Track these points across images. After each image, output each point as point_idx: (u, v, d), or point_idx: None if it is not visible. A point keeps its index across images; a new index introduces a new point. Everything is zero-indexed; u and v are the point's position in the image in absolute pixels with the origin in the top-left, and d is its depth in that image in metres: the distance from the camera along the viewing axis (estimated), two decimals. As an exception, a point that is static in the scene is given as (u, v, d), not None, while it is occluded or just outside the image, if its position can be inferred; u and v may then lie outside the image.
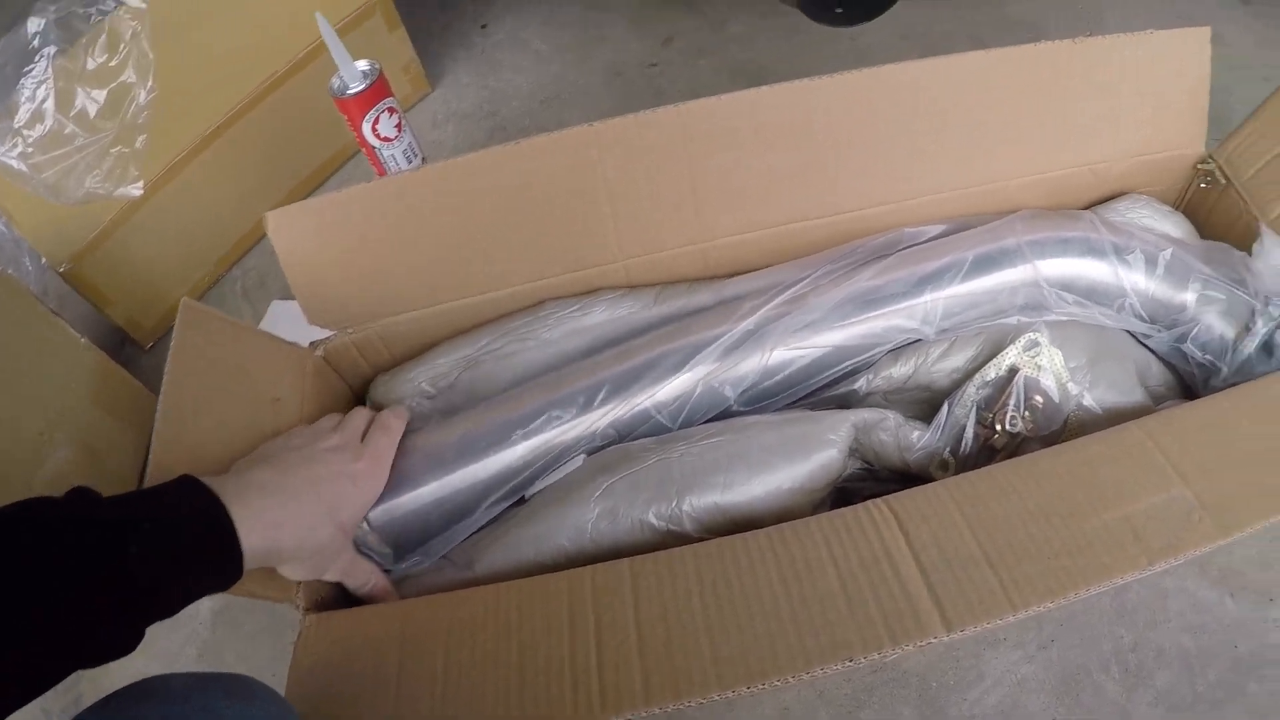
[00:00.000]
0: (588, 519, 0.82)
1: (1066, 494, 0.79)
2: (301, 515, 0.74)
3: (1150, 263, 0.97)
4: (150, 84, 1.27)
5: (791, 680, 0.69)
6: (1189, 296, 0.97)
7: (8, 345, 1.11)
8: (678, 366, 0.91)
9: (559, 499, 0.85)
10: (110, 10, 1.25)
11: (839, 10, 1.23)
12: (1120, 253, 0.97)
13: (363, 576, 0.83)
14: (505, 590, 0.77)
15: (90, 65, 1.24)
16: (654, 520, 0.82)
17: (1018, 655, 1.00)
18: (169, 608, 0.63)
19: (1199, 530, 0.76)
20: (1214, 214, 1.12)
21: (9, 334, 1.12)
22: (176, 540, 0.64)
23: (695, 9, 1.84)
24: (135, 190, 1.29)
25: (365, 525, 0.86)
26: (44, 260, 1.31)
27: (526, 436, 0.89)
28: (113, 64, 1.25)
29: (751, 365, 0.92)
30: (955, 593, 0.72)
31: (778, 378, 0.93)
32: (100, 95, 1.25)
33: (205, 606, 1.08)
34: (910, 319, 0.94)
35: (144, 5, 1.25)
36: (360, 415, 0.90)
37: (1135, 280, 0.97)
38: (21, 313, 1.14)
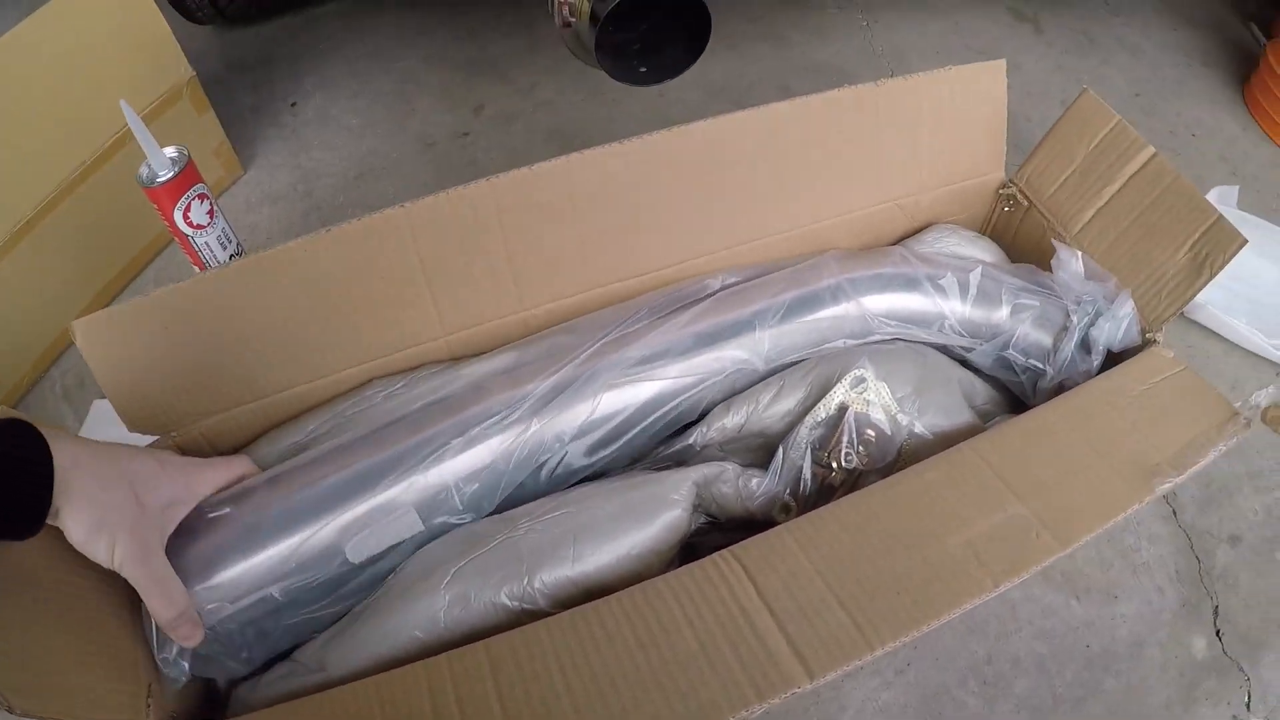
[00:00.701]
0: (439, 607, 0.81)
1: (907, 525, 0.82)
2: (100, 466, 0.72)
3: (963, 286, 1.03)
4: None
5: None
6: (1003, 311, 1.04)
7: None
8: (474, 439, 0.91)
9: (407, 590, 0.84)
10: None
11: (643, 70, 1.27)
12: (933, 280, 1.02)
13: (155, 582, 0.77)
14: (362, 689, 0.76)
15: None
16: (506, 601, 0.81)
17: (876, 682, 1.03)
18: None
19: (1039, 546, 0.81)
20: (1019, 235, 1.19)
21: None
22: None
23: (504, 77, 1.87)
24: None
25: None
26: None
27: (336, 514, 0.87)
28: None
29: (581, 411, 0.93)
30: (813, 639, 0.74)
31: (612, 424, 0.94)
32: None
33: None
34: (741, 350, 0.97)
35: None
36: None
37: (952, 305, 1.02)
38: None
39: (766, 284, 1.02)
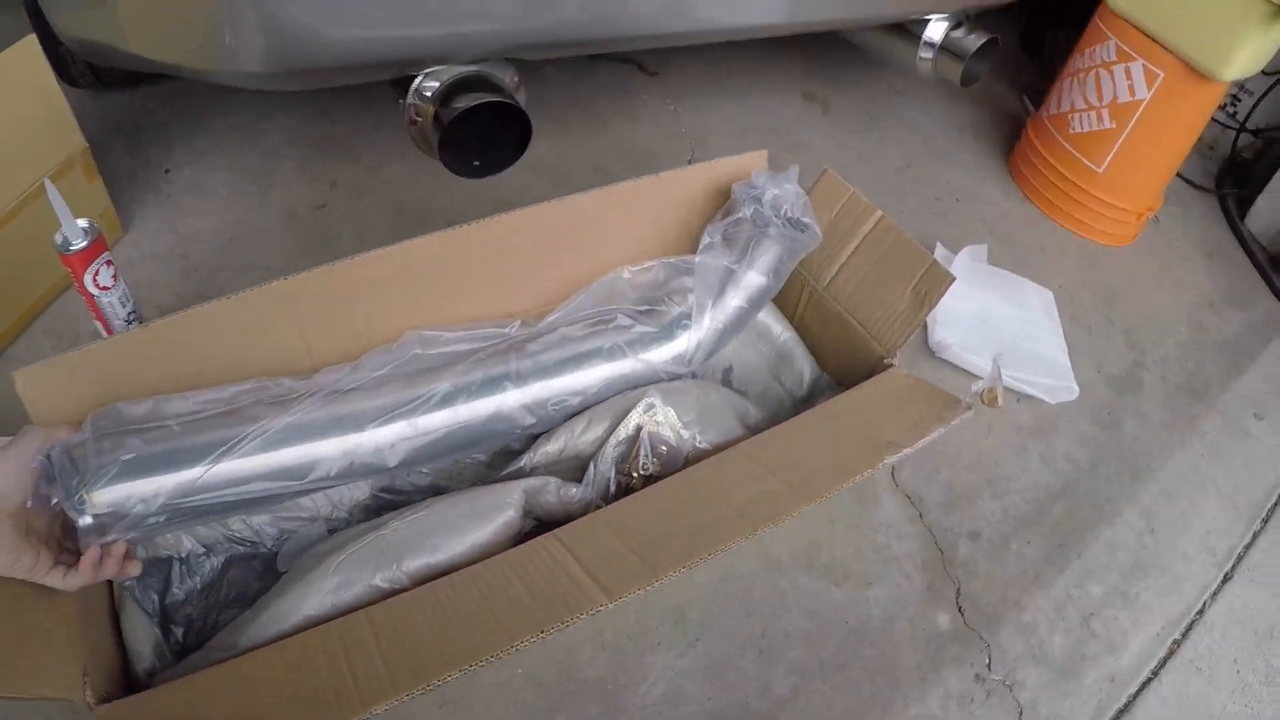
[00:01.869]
0: (327, 590, 0.99)
1: (686, 500, 1.04)
2: None
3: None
4: None
5: (502, 655, 0.87)
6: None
7: None
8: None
9: (300, 579, 1.01)
10: None
11: (476, 164, 1.41)
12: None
13: (38, 570, 0.87)
14: (266, 652, 0.91)
15: None
16: (380, 583, 1.00)
17: (672, 654, 1.21)
18: None
19: (789, 502, 1.01)
20: (784, 289, 1.40)
21: None
22: None
23: (354, 155, 1.95)
24: None
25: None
26: None
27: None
28: None
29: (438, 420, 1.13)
30: (612, 576, 0.94)
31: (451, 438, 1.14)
32: None
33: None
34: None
35: None
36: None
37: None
38: None
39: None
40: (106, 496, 0.94)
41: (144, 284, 1.63)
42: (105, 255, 1.34)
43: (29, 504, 0.89)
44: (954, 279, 1.23)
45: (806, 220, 1.30)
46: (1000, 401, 1.50)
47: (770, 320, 1.42)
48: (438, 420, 1.12)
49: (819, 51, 2.43)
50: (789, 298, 1.44)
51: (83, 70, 1.93)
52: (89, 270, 1.33)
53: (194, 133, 2.00)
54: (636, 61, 2.34)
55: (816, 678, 1.21)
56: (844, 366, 1.39)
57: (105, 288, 1.36)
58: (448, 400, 1.12)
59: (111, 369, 1.07)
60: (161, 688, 0.91)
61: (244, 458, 1.02)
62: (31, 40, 1.47)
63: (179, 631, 1.08)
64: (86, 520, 0.93)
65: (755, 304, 1.32)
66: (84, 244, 1.31)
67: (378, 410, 1.09)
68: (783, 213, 1.30)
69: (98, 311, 1.39)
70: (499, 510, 1.08)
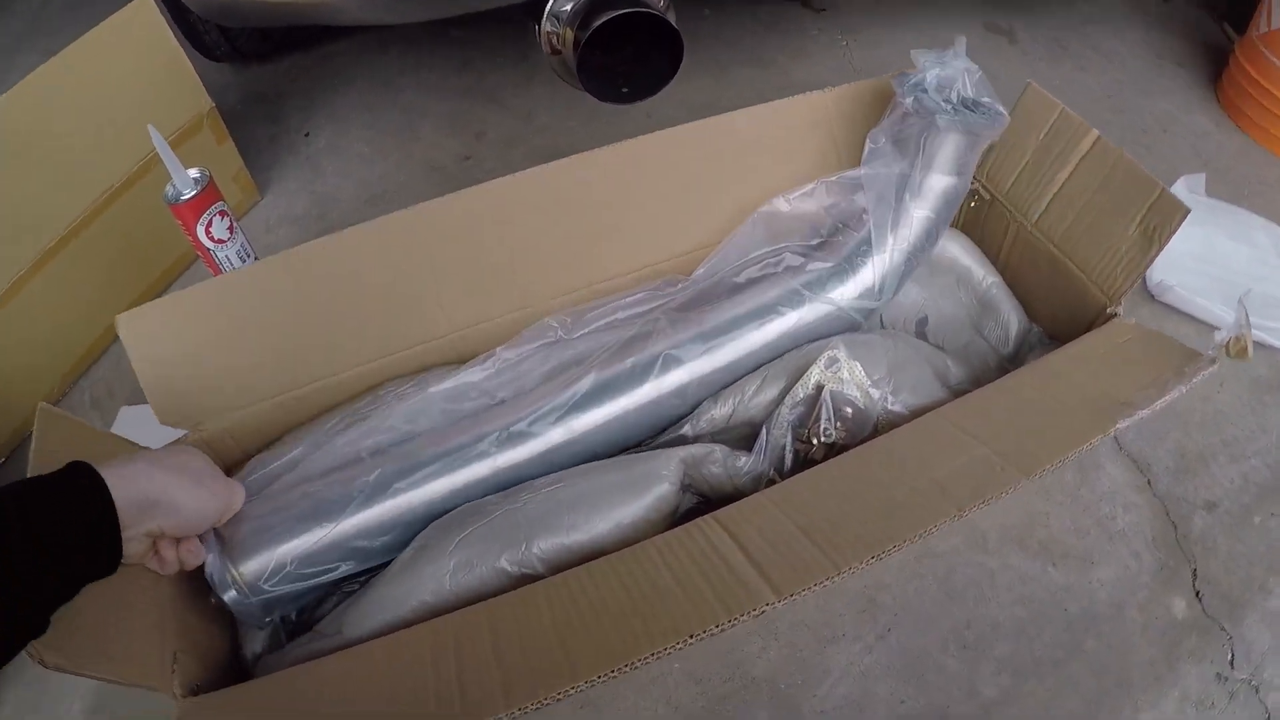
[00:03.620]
0: (445, 572, 0.85)
1: (876, 474, 0.86)
2: (186, 476, 0.78)
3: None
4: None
5: (638, 664, 0.73)
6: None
7: None
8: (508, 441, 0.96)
9: (416, 558, 0.88)
10: None
11: (625, 90, 1.31)
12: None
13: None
14: (373, 647, 0.80)
15: None
16: (507, 566, 0.85)
17: (858, 647, 1.06)
18: (50, 577, 0.65)
19: (1003, 476, 0.83)
20: (985, 226, 1.23)
21: None
22: (42, 496, 0.66)
23: (502, 105, 1.90)
24: None
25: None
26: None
27: (364, 506, 0.92)
28: None
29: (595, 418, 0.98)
30: (781, 566, 0.77)
31: (612, 432, 1.00)
32: None
33: (78, 708, 1.06)
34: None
35: None
36: None
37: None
38: None
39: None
40: (251, 567, 0.89)
41: (279, 247, 1.55)
42: (218, 205, 1.27)
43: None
44: (1188, 211, 1.02)
45: (984, 100, 1.10)
46: (1250, 353, 1.27)
47: (971, 263, 1.23)
48: (595, 418, 0.99)
49: (998, -22, 2.31)
50: (992, 236, 1.25)
51: (217, 41, 1.95)
52: (200, 221, 1.26)
53: (334, 96, 2.00)
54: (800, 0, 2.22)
55: (1031, 676, 1.05)
56: (1058, 317, 1.19)
57: (220, 240, 1.29)
58: (600, 394, 0.99)
59: (214, 312, 1.01)
60: (248, 686, 0.84)
61: (399, 496, 0.94)
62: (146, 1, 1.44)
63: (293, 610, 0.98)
64: (231, 594, 0.88)
65: (942, 212, 1.12)
66: (193, 193, 1.25)
67: (524, 419, 0.97)
68: (954, 94, 1.09)
69: (215, 267, 1.34)
70: (652, 482, 0.92)
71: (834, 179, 1.14)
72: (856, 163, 1.17)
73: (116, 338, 1.51)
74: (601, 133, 1.78)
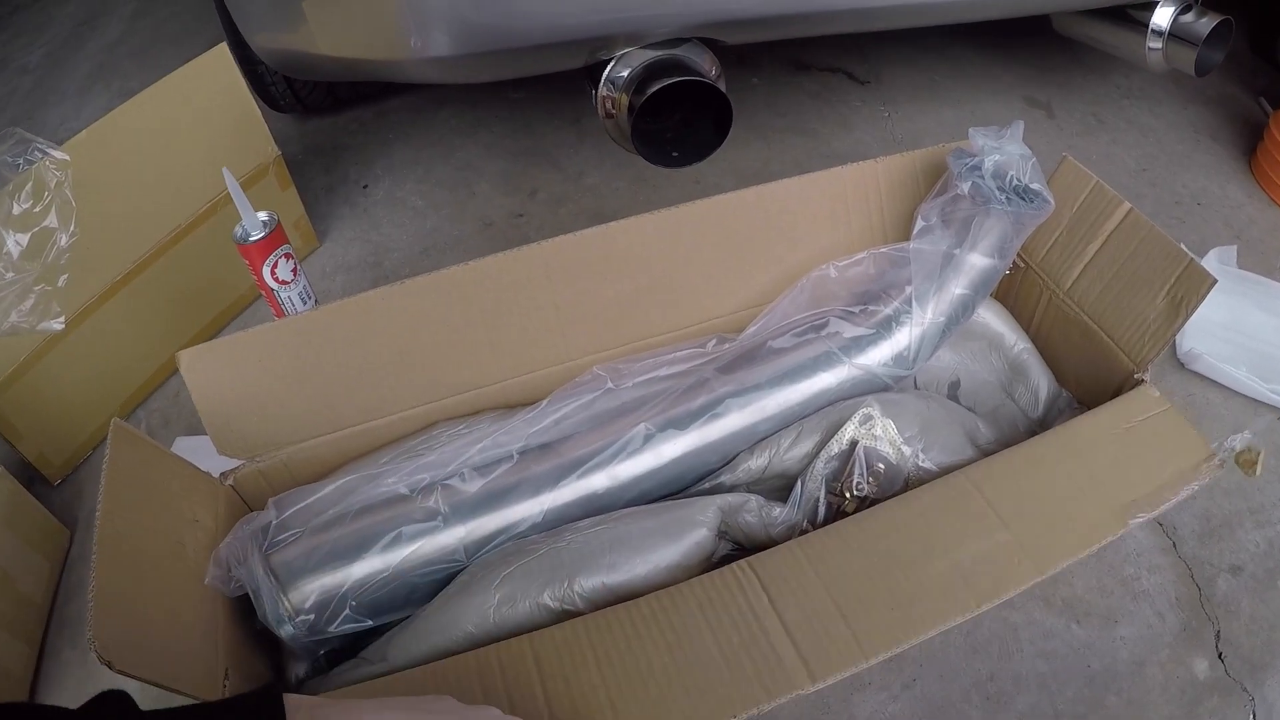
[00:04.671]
0: (489, 605, 0.87)
1: (904, 545, 0.87)
2: None
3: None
4: (72, 228, 1.30)
5: None
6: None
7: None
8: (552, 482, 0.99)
9: (462, 590, 0.90)
10: (36, 160, 1.29)
11: (675, 155, 1.33)
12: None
13: None
14: (418, 674, 0.81)
15: (16, 209, 1.27)
16: (549, 602, 0.87)
17: (884, 696, 1.05)
18: None
19: (1019, 571, 0.84)
20: (1019, 293, 1.24)
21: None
22: None
23: (555, 165, 1.92)
24: (57, 325, 1.30)
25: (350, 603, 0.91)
26: (-42, 395, 1.30)
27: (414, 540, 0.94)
28: (36, 209, 1.29)
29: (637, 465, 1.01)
30: (816, 647, 0.79)
31: (652, 482, 1.02)
32: (24, 237, 1.28)
33: None
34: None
35: (68, 157, 1.30)
36: None
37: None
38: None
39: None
40: (295, 597, 0.92)
41: (336, 293, 1.64)
42: (284, 248, 1.29)
43: None
44: (1215, 281, 1.03)
45: (1035, 187, 1.11)
46: (1260, 470, 1.28)
47: (1003, 329, 1.24)
48: (639, 465, 1.01)
49: (1037, 55, 2.28)
50: (1025, 304, 1.26)
51: (283, 93, 1.97)
52: (267, 262, 1.28)
53: (392, 151, 2.02)
54: (846, 70, 2.24)
55: None
56: (1086, 382, 1.20)
57: (284, 281, 1.31)
58: (643, 443, 1.01)
59: (275, 352, 1.02)
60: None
61: (450, 530, 0.96)
62: (223, 48, 1.49)
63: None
64: (289, 630, 0.90)
65: (979, 290, 1.14)
66: (262, 235, 1.27)
67: (572, 464, 0.99)
68: (1008, 181, 1.11)
69: (277, 307, 1.35)
70: (690, 528, 0.94)
71: (883, 250, 1.16)
72: (901, 231, 1.20)
73: (174, 371, 1.54)
74: (648, 196, 1.81)
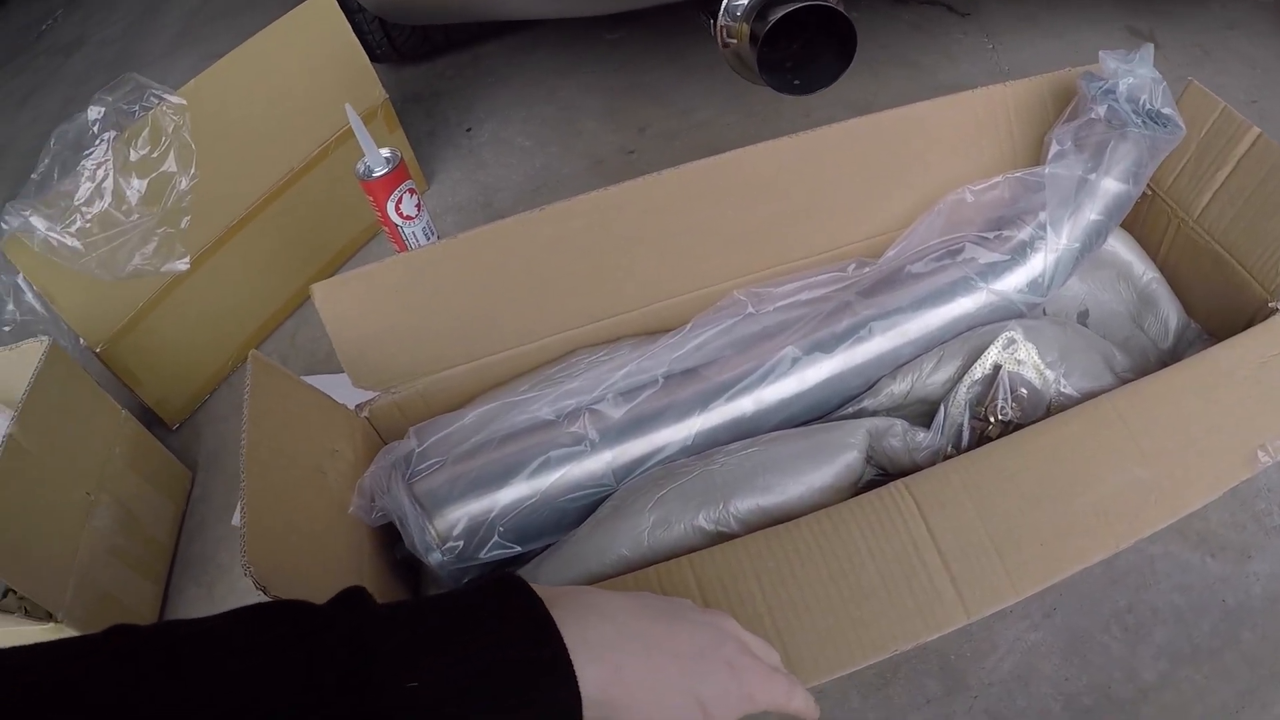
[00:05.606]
0: (643, 528, 0.85)
1: (1052, 476, 0.84)
2: (662, 671, 0.54)
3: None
4: (193, 171, 1.31)
5: (852, 670, 0.73)
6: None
7: (61, 410, 1.14)
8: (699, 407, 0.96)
9: (615, 513, 0.88)
10: (154, 106, 1.29)
11: (797, 82, 1.30)
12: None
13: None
14: None
15: (134, 155, 1.27)
16: (704, 524, 0.85)
17: (1025, 625, 1.03)
18: None
19: (1155, 510, 0.82)
20: (1146, 222, 1.20)
21: (62, 400, 1.14)
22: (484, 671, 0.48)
23: (661, 101, 1.89)
24: (182, 265, 1.31)
25: (499, 529, 0.90)
26: (81, 341, 1.31)
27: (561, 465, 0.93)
28: (154, 154, 1.29)
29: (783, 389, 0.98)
30: (971, 580, 0.77)
31: (797, 406, 0.99)
32: (143, 183, 1.28)
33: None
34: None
35: (184, 101, 1.30)
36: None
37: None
38: (72, 382, 1.18)
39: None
40: (441, 525, 0.91)
41: (447, 233, 1.59)
42: (408, 183, 1.29)
43: None
44: None
45: (1167, 111, 1.07)
46: None
47: (1132, 258, 1.19)
48: (785, 389, 0.98)
49: (1136, -17, 2.24)
50: (1153, 233, 1.21)
51: (379, 40, 1.98)
52: (391, 198, 1.28)
53: (492, 93, 2.01)
54: (944, 2, 2.18)
55: (1188, 663, 1.01)
56: (1216, 313, 1.15)
57: (408, 217, 1.30)
58: (790, 366, 0.98)
59: (405, 282, 1.01)
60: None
61: (597, 455, 0.94)
62: (326, -6, 1.48)
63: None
64: (437, 557, 0.89)
65: (1113, 216, 1.10)
66: (386, 170, 1.27)
67: (719, 388, 0.97)
68: (1141, 105, 1.06)
69: (401, 243, 1.35)
70: (841, 451, 0.91)
71: (1017, 175, 1.12)
72: (1031, 156, 1.16)
73: (290, 314, 1.54)
74: (758, 129, 1.77)
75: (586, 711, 0.50)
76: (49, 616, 1.05)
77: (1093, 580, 1.07)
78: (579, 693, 0.49)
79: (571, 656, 0.50)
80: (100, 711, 0.40)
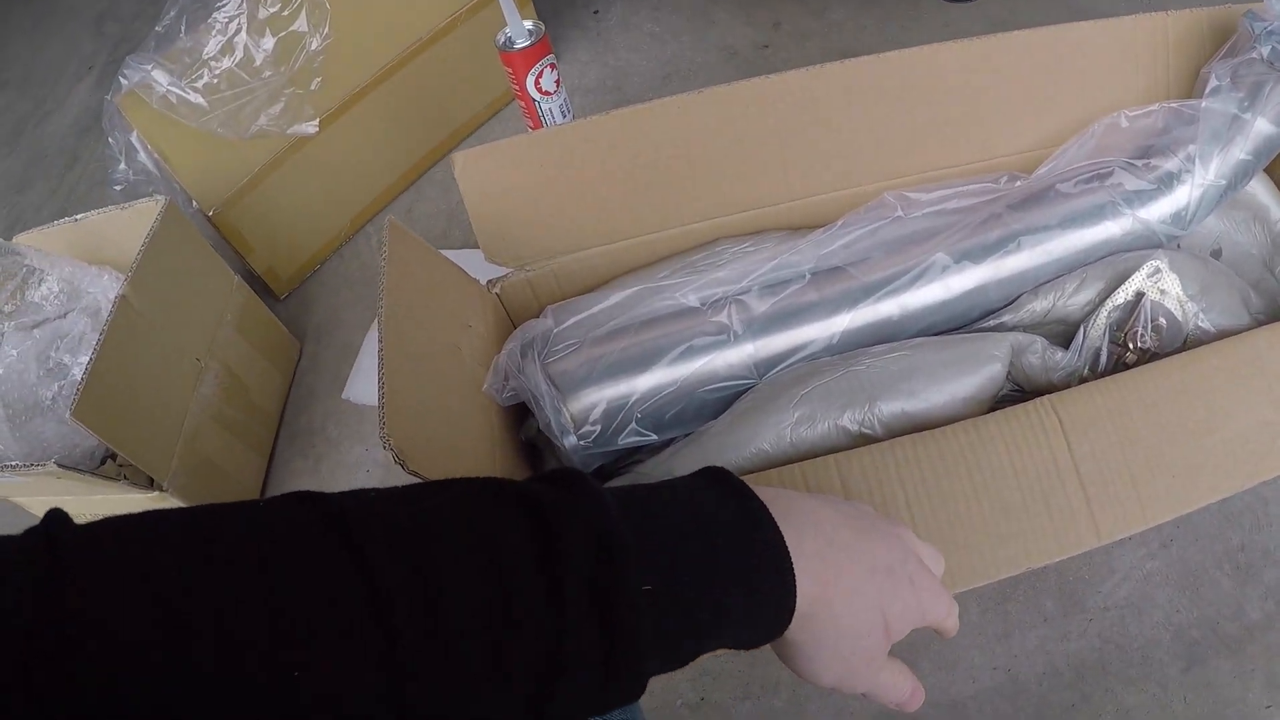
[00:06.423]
0: (786, 423, 0.84)
1: (1190, 410, 0.82)
2: (860, 586, 0.52)
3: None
4: (326, 30, 1.28)
5: (987, 583, 0.73)
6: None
7: (175, 274, 1.13)
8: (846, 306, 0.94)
9: (757, 407, 0.87)
10: None
11: None
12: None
13: (896, 688, 0.58)
14: None
15: (263, 13, 1.25)
16: (848, 424, 0.84)
17: (1142, 553, 1.03)
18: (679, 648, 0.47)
19: (1273, 461, 0.81)
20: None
21: (176, 262, 1.14)
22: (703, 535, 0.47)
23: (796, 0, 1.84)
24: (310, 128, 1.30)
25: (636, 415, 0.89)
26: (195, 204, 1.31)
27: (704, 353, 0.91)
28: (285, 13, 1.26)
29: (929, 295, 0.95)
30: (1105, 505, 0.76)
31: (941, 315, 0.97)
32: (271, 42, 1.26)
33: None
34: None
35: None
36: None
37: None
38: (187, 244, 1.17)
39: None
40: (576, 408, 0.90)
41: (577, 115, 1.56)
42: (549, 58, 1.28)
43: None
44: None
45: None
46: None
47: (1270, 202, 1.14)
48: (931, 295, 0.95)
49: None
50: None
51: None
52: (532, 72, 1.26)
53: None
54: None
55: None
56: None
57: (547, 92, 1.29)
58: (940, 272, 0.95)
59: (548, 158, 0.98)
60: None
61: (741, 345, 0.91)
62: None
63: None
64: (572, 440, 0.88)
65: (1261, 157, 1.05)
66: (529, 43, 1.25)
67: (867, 289, 0.94)
68: None
69: (536, 119, 1.34)
70: (986, 362, 0.89)
71: (1174, 105, 1.07)
72: (1185, 88, 1.12)
73: (408, 186, 1.53)
74: (895, 36, 1.73)
75: (794, 623, 0.49)
76: (151, 484, 1.05)
77: (1209, 516, 1.06)
78: (794, 607, 0.48)
79: (795, 560, 0.48)
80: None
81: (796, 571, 0.48)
